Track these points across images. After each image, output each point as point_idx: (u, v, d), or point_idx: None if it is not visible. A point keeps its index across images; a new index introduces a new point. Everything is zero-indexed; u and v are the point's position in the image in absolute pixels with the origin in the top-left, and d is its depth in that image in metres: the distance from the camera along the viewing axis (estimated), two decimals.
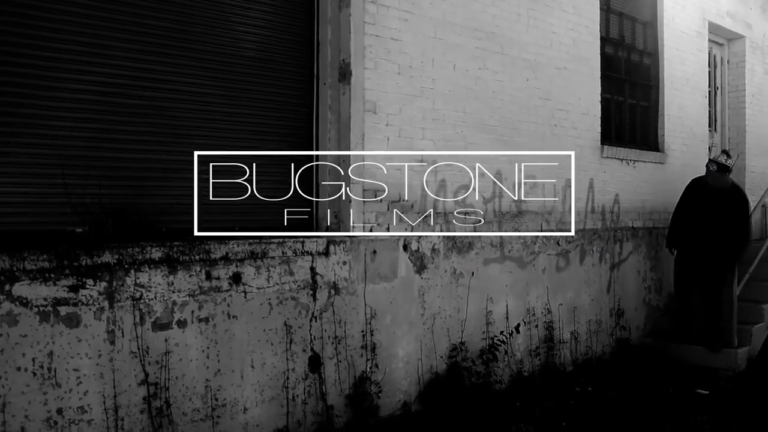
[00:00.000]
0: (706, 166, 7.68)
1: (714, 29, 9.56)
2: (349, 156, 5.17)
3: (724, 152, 7.89)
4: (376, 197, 5.32)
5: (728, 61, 10.25)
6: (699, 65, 9.14)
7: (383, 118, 5.37)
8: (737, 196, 7.51)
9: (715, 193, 7.44)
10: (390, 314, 5.42)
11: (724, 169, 7.45)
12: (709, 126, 9.66)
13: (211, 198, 4.79)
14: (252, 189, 5.00)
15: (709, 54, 9.60)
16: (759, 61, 10.44)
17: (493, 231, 6.23)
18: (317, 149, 5.36)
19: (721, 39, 10.08)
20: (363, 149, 5.22)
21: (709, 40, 9.53)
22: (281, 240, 4.77)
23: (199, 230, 4.59)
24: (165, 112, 4.58)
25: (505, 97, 6.40)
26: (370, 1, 5.27)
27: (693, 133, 9.01)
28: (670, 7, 8.58)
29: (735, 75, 10.23)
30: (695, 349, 7.48)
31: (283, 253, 4.76)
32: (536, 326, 6.69)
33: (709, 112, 9.61)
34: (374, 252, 5.29)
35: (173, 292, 4.23)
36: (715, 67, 10.10)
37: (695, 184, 7.75)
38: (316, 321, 4.95)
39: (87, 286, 3.86)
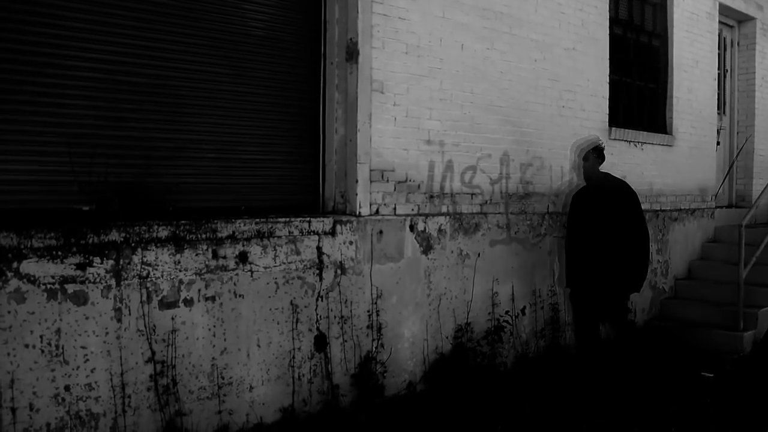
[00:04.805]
0: (585, 157, 5.90)
1: (724, 11, 9.47)
2: (356, 136, 5.15)
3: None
4: (382, 178, 5.31)
5: (738, 43, 10.15)
6: (708, 47, 9.06)
7: (390, 98, 5.34)
8: (628, 193, 5.83)
9: (603, 196, 5.81)
10: (396, 294, 5.42)
11: (600, 154, 5.89)
12: (718, 109, 9.59)
13: (218, 177, 4.80)
14: (259, 168, 5.01)
15: (719, 36, 9.51)
16: None
17: (499, 212, 6.23)
18: (324, 129, 5.34)
19: (732, 21, 9.98)
20: (370, 129, 5.20)
21: (720, 21, 9.44)
22: (288, 219, 4.77)
23: (205, 210, 4.59)
24: (171, 90, 4.56)
25: (513, 78, 6.36)
26: None
27: (701, 115, 8.95)
28: None
29: (745, 57, 10.13)
30: (700, 332, 7.49)
31: (289, 232, 4.76)
32: (542, 308, 6.69)
33: (718, 94, 9.54)
34: (381, 232, 5.28)
35: (180, 270, 4.23)
36: (725, 49, 10.01)
37: (579, 195, 6.09)
38: (322, 300, 4.96)
39: (94, 264, 3.86)
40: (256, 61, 4.99)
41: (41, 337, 3.69)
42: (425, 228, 5.61)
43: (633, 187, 6.09)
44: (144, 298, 4.08)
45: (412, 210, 5.53)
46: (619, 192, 5.76)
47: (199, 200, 4.69)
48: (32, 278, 3.65)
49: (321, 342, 4.95)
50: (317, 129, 5.33)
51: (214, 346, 4.41)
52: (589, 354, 6.04)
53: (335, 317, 5.04)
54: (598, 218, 5.71)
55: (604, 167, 6.09)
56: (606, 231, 5.67)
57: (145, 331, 4.09)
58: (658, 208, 8.21)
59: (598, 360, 5.98)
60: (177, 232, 4.21)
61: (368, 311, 5.24)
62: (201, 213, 4.55)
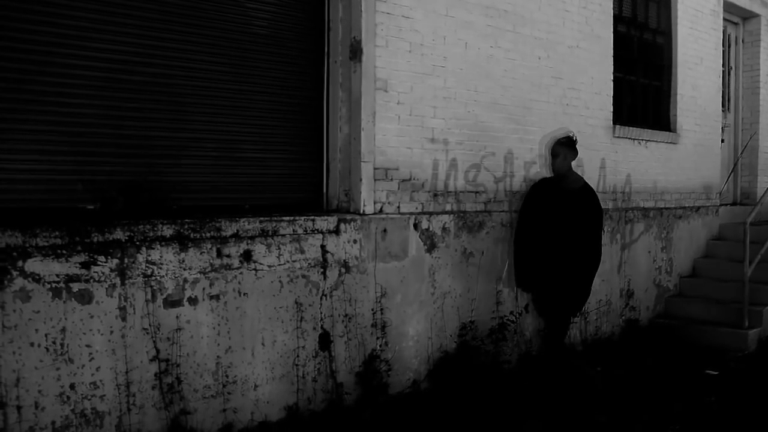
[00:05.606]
0: (554, 153, 5.64)
1: (729, 7, 9.43)
2: (360, 134, 5.15)
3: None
4: (386, 176, 5.31)
5: (743, 41, 10.12)
6: (713, 44, 9.03)
7: (394, 96, 5.34)
8: (589, 203, 5.47)
9: (561, 198, 5.52)
10: (400, 293, 5.42)
11: (573, 148, 5.56)
12: (723, 106, 9.58)
13: (222, 176, 4.80)
14: (262, 167, 5.01)
15: (723, 33, 9.48)
16: None
17: (504, 210, 6.22)
18: (328, 127, 5.33)
19: (736, 18, 9.95)
20: (374, 127, 5.20)
21: (724, 18, 9.41)
22: (292, 218, 4.77)
23: (209, 209, 4.59)
24: (175, 89, 4.56)
25: (517, 76, 6.35)
26: None
27: (706, 113, 8.92)
28: None
29: (750, 54, 10.10)
30: (705, 330, 7.48)
31: (293, 231, 4.76)
32: None
33: (723, 91, 9.52)
34: (385, 231, 5.28)
35: (184, 269, 4.24)
36: (729, 46, 9.98)
37: (541, 189, 5.81)
38: (326, 299, 4.96)
39: (99, 263, 3.87)
40: (259, 59, 4.99)
41: (46, 335, 3.70)
42: (429, 226, 5.61)
43: (601, 205, 5.86)
44: (149, 296, 4.09)
45: (416, 208, 5.53)
46: (586, 205, 5.41)
47: (203, 199, 4.70)
48: (37, 277, 3.66)
49: (325, 340, 4.96)
50: (321, 127, 5.33)
51: (218, 344, 4.41)
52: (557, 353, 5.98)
53: (339, 316, 5.04)
54: (556, 224, 5.42)
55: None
56: (561, 241, 5.39)
57: (149, 329, 4.10)
58: (663, 206, 8.20)
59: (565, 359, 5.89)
60: (181, 230, 4.22)
61: (372, 310, 5.24)
62: (205, 211, 4.56)
